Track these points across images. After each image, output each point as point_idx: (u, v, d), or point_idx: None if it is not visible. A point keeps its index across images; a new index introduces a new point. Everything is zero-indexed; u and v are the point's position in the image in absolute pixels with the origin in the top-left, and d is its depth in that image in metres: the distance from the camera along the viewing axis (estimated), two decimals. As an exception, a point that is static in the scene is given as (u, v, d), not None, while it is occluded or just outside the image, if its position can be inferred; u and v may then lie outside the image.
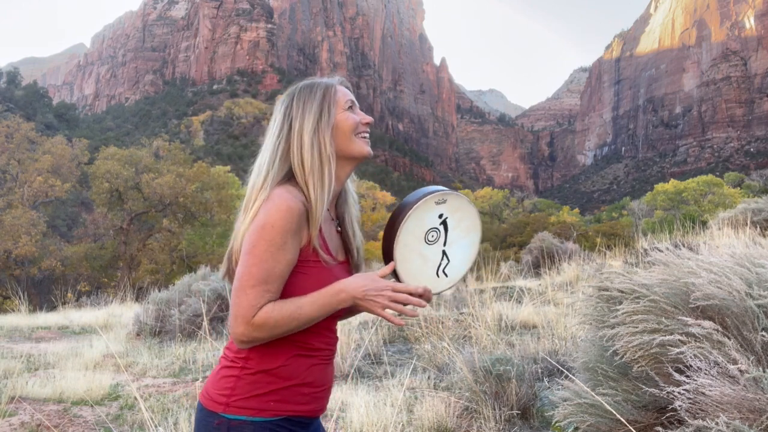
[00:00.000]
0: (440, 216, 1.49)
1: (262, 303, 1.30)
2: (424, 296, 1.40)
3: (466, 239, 1.53)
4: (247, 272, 1.30)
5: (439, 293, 1.54)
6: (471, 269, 1.62)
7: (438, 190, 1.48)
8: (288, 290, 1.35)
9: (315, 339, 1.42)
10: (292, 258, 1.34)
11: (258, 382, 1.35)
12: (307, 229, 1.37)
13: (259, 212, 1.34)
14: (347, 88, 1.54)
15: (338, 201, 1.56)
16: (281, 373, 1.36)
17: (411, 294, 1.37)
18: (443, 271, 1.51)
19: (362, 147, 1.47)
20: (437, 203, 1.48)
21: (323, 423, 1.63)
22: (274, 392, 1.35)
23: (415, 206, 1.45)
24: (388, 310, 1.37)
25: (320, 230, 1.41)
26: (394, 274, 1.47)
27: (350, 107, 1.48)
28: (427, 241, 1.49)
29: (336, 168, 1.46)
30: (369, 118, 1.51)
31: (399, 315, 1.41)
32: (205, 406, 1.38)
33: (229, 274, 1.47)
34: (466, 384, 3.78)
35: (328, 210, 1.47)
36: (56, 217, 37.79)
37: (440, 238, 1.50)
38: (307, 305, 1.32)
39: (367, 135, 1.50)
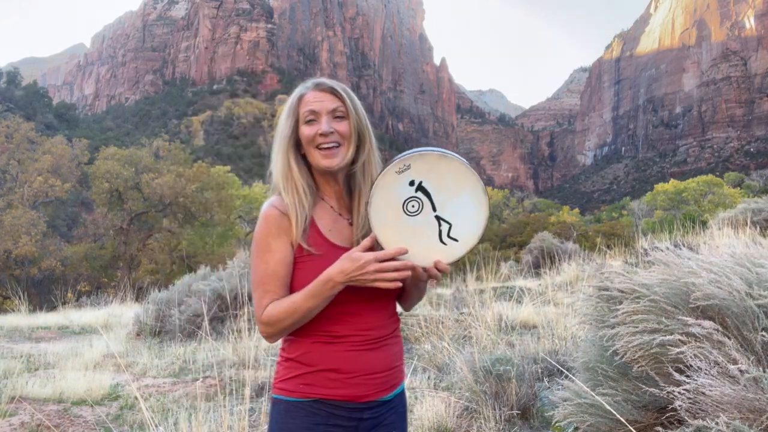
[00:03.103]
0: (411, 183, 1.39)
1: (266, 302, 1.46)
2: (426, 269, 1.44)
3: (459, 198, 1.41)
4: (251, 279, 1.51)
5: (457, 260, 1.44)
6: (483, 233, 1.42)
7: (399, 158, 1.40)
8: (291, 285, 1.50)
9: (337, 326, 1.48)
10: (282, 256, 1.48)
11: (289, 368, 1.50)
12: (291, 228, 1.48)
13: None
14: (324, 88, 1.53)
15: (352, 198, 1.59)
16: (304, 360, 1.49)
17: (392, 256, 1.38)
18: (449, 237, 1.41)
19: (318, 160, 1.50)
20: (399, 172, 1.39)
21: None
22: (300, 376, 1.48)
23: (373, 186, 1.40)
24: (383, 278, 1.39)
25: (315, 225, 1.51)
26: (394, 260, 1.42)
27: (309, 120, 1.50)
28: (409, 213, 1.40)
29: (316, 176, 1.56)
30: (322, 129, 1.49)
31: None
32: None
33: None
34: (466, 384, 3.78)
35: (332, 207, 1.56)
36: (56, 217, 37.70)
37: (424, 205, 1.40)
38: (301, 298, 1.43)
39: (329, 145, 1.49)
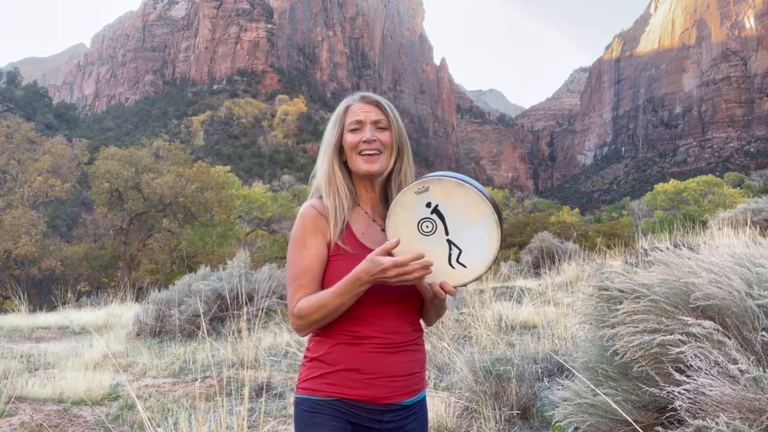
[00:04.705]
0: (428, 205, 1.45)
1: (299, 296, 1.55)
2: (424, 265, 1.45)
3: (473, 226, 1.45)
4: (286, 274, 1.61)
5: (464, 284, 1.49)
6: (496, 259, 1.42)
7: (423, 178, 1.46)
8: (324, 280, 1.58)
9: (363, 327, 1.56)
10: (317, 253, 1.58)
11: (313, 368, 1.58)
12: (328, 228, 1.59)
13: None
14: (370, 101, 1.65)
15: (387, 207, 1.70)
16: (328, 359, 1.56)
17: (409, 261, 1.43)
18: (458, 262, 1.46)
19: (360, 165, 1.62)
20: (418, 192, 1.45)
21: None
22: (324, 376, 1.56)
23: (393, 201, 1.47)
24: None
25: (350, 228, 1.62)
26: None
27: (353, 129, 1.63)
28: (423, 233, 1.45)
29: (355, 182, 1.67)
30: (365, 137, 1.61)
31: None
32: None
33: None
34: (466, 384, 3.78)
35: (366, 213, 1.67)
36: (56, 217, 37.74)
37: (438, 227, 1.45)
38: (330, 294, 1.50)
39: (372, 152, 1.61)
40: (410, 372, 1.59)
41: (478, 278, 1.49)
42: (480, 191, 1.45)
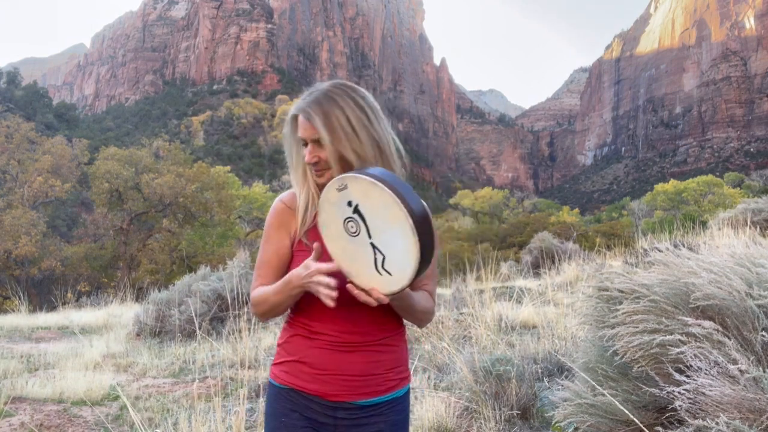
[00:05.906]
0: (350, 203, 1.33)
1: (256, 285, 1.58)
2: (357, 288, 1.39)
3: (391, 231, 1.29)
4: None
5: (393, 293, 1.35)
6: (420, 270, 1.31)
7: (344, 175, 1.34)
8: (288, 272, 1.55)
9: (317, 324, 1.54)
10: (278, 247, 1.58)
11: (278, 354, 1.62)
12: (294, 223, 1.58)
13: None
14: (305, 115, 1.50)
15: None
16: (287, 348, 1.59)
17: (335, 271, 1.39)
18: (383, 268, 1.33)
19: (313, 176, 1.55)
20: (339, 189, 1.33)
21: None
22: (283, 364, 1.59)
23: (320, 199, 1.39)
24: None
25: (315, 226, 1.54)
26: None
27: (302, 144, 1.54)
28: (350, 233, 1.35)
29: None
30: (306, 159, 1.51)
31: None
32: None
33: None
34: (466, 384, 3.78)
35: None
36: (56, 217, 37.74)
37: (361, 229, 1.33)
38: (270, 291, 1.51)
39: (317, 169, 1.51)
40: (370, 372, 1.51)
41: (407, 287, 1.33)
42: (395, 194, 1.26)
